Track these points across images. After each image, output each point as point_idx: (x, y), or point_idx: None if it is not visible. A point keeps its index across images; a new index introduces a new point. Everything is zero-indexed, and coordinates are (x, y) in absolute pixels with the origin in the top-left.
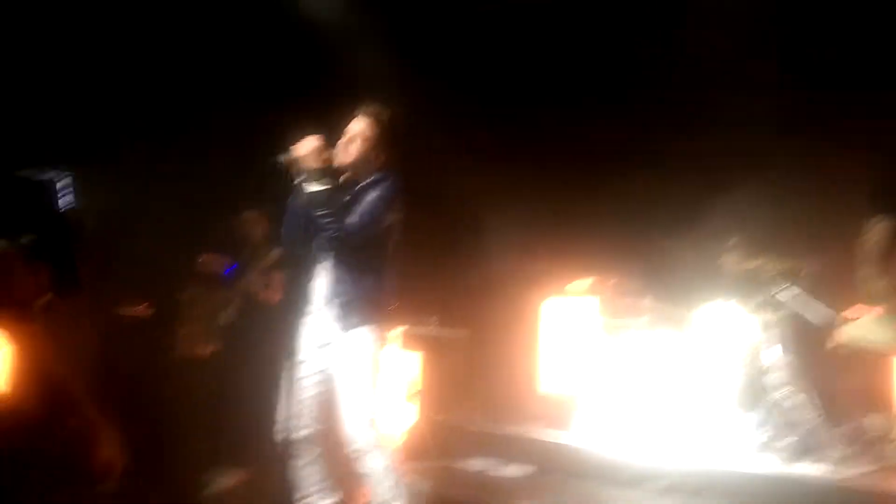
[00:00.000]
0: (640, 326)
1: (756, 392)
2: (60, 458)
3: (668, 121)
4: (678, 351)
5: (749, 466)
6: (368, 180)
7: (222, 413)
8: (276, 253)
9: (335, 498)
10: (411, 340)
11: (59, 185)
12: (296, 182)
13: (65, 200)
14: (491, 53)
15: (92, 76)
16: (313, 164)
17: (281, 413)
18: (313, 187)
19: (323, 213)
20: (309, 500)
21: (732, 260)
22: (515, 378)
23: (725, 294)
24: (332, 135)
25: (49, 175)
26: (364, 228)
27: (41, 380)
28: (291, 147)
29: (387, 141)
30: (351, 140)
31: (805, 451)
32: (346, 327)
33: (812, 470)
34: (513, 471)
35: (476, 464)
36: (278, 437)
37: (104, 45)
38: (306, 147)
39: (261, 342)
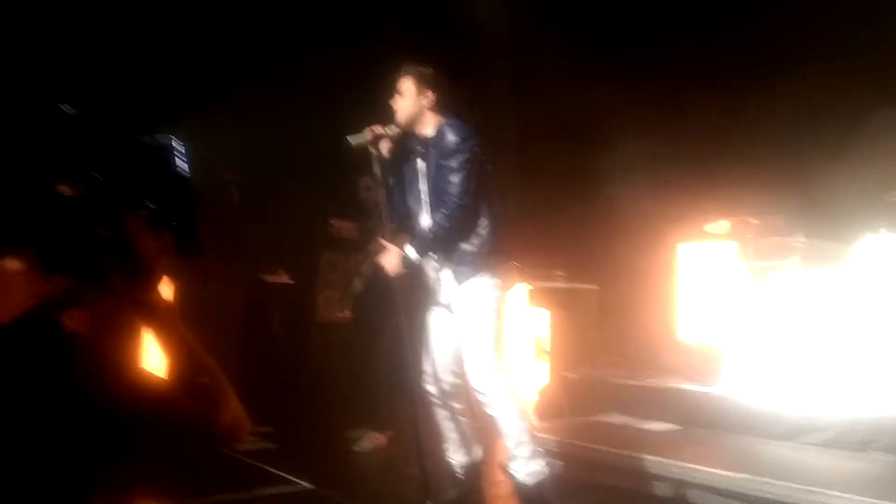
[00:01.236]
0: (790, 267)
1: None
2: (188, 419)
3: (816, 35)
4: (835, 292)
5: None
6: (434, 135)
7: (361, 375)
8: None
9: (477, 452)
10: (539, 297)
11: (175, 150)
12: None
13: (182, 165)
14: None
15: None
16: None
17: (425, 368)
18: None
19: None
20: (451, 453)
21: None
22: (652, 328)
23: (888, 225)
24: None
25: (166, 140)
26: (466, 192)
27: (169, 343)
28: (370, 130)
29: (440, 98)
30: (400, 97)
31: None
32: (460, 281)
33: None
34: (656, 425)
35: (616, 419)
36: (422, 391)
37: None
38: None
39: (388, 308)
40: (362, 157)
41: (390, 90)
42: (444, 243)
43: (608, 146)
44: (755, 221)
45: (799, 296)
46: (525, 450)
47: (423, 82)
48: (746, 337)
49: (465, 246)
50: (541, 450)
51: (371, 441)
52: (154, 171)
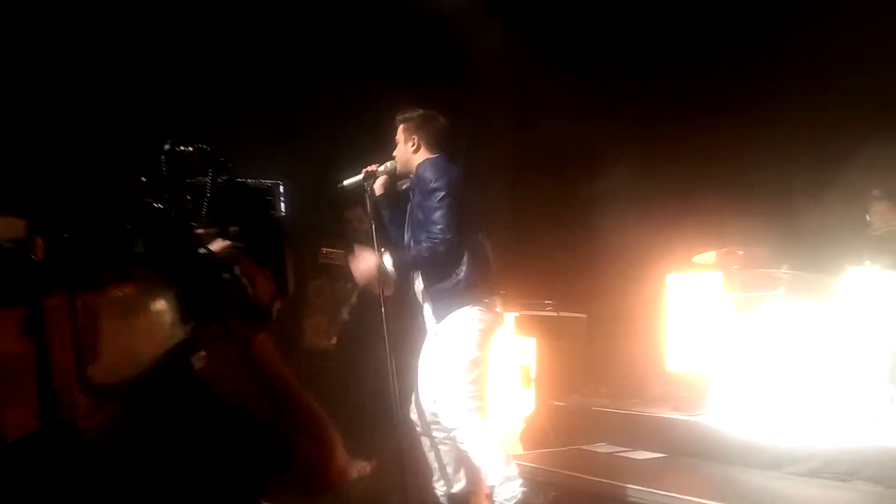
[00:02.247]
0: (776, 298)
1: None
2: (302, 466)
3: (800, 72)
4: (819, 323)
5: None
6: (417, 171)
7: (346, 403)
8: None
9: (461, 482)
10: (526, 325)
11: (278, 193)
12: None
13: (281, 207)
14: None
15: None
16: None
17: (411, 397)
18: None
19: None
20: (435, 481)
21: (878, 218)
22: (640, 358)
23: (871, 258)
24: None
25: (270, 182)
26: (450, 225)
27: (279, 386)
28: (364, 169)
29: (423, 140)
30: (396, 145)
31: None
32: (438, 318)
33: None
34: (642, 454)
35: (602, 448)
36: (407, 420)
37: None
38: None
39: (376, 335)
40: (357, 195)
41: (382, 127)
42: (422, 270)
43: (598, 177)
44: (741, 252)
45: (784, 327)
46: (498, 477)
47: (408, 130)
48: (732, 367)
49: (442, 284)
50: (513, 474)
51: (355, 469)
52: (260, 214)
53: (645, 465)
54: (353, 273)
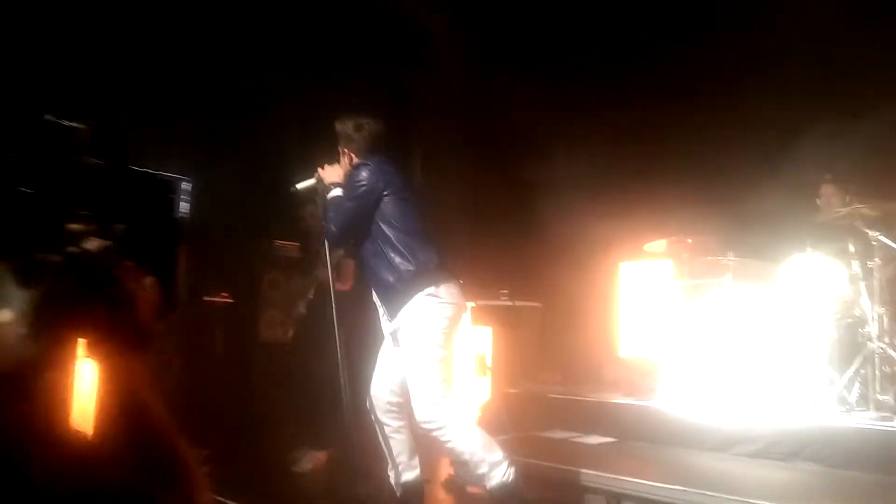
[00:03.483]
0: (723, 285)
1: (848, 348)
2: (143, 495)
3: (742, 61)
4: (764, 308)
5: (843, 425)
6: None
7: (302, 395)
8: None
9: (415, 470)
10: (481, 314)
11: (181, 190)
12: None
13: (183, 206)
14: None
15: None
16: (334, 178)
17: (370, 386)
18: (333, 193)
19: (325, 215)
20: (392, 471)
21: (825, 202)
22: (593, 345)
23: (813, 245)
24: None
25: (175, 176)
26: (342, 219)
27: (130, 412)
28: (315, 173)
29: (354, 151)
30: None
31: None
32: (391, 314)
33: None
34: (595, 439)
35: (557, 434)
36: (360, 409)
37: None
38: (328, 167)
39: (332, 328)
40: (309, 198)
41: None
42: (364, 270)
43: (550, 168)
44: (690, 241)
45: (731, 313)
46: (484, 466)
47: (341, 145)
48: (682, 352)
49: (386, 278)
50: (499, 458)
51: (311, 461)
52: (156, 212)
53: (597, 449)
54: (322, 175)
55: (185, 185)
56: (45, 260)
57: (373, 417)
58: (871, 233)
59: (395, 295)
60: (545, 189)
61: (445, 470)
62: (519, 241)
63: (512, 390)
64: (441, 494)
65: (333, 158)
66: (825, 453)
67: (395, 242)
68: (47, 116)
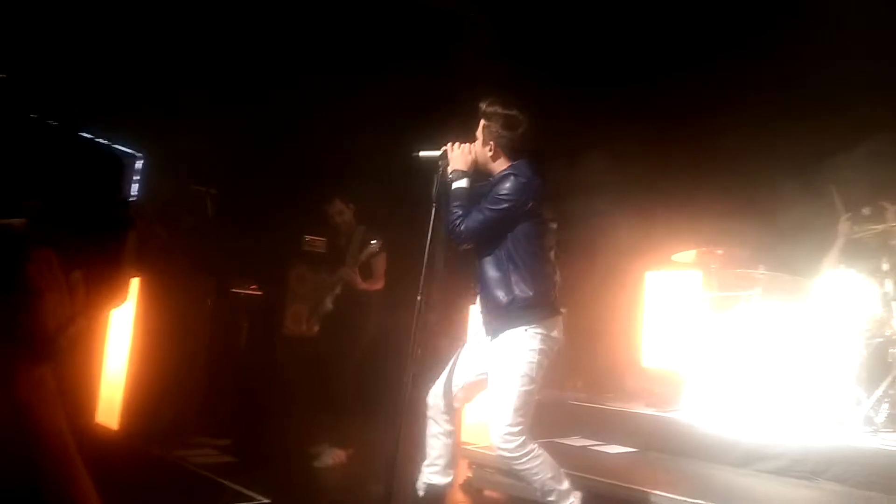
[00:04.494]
0: (752, 298)
1: (877, 367)
2: None
3: (783, 76)
4: (793, 324)
5: (869, 446)
6: (495, 177)
7: (326, 390)
8: (375, 245)
9: (449, 477)
10: None
11: (131, 167)
12: (442, 179)
13: (131, 187)
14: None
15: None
16: (461, 165)
17: (435, 384)
18: (458, 184)
19: (455, 205)
20: (428, 469)
21: (856, 223)
22: (617, 353)
23: (847, 261)
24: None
25: (126, 151)
26: (477, 225)
27: (39, 444)
28: (443, 147)
29: (501, 147)
30: (472, 143)
31: None
32: (492, 334)
33: None
34: (615, 448)
35: (577, 441)
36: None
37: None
38: (457, 149)
39: (358, 327)
40: (427, 169)
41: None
42: (459, 243)
43: (579, 175)
44: (720, 252)
45: (759, 326)
46: (553, 495)
47: (487, 131)
48: (707, 364)
49: (498, 299)
50: (567, 488)
51: (332, 457)
52: (97, 188)
53: (616, 459)
54: (450, 156)
55: (137, 163)
56: None
57: (429, 413)
58: None
59: (502, 317)
60: (573, 195)
61: (463, 473)
62: None
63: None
64: (459, 496)
65: (469, 136)
66: (849, 473)
67: (520, 263)
68: None
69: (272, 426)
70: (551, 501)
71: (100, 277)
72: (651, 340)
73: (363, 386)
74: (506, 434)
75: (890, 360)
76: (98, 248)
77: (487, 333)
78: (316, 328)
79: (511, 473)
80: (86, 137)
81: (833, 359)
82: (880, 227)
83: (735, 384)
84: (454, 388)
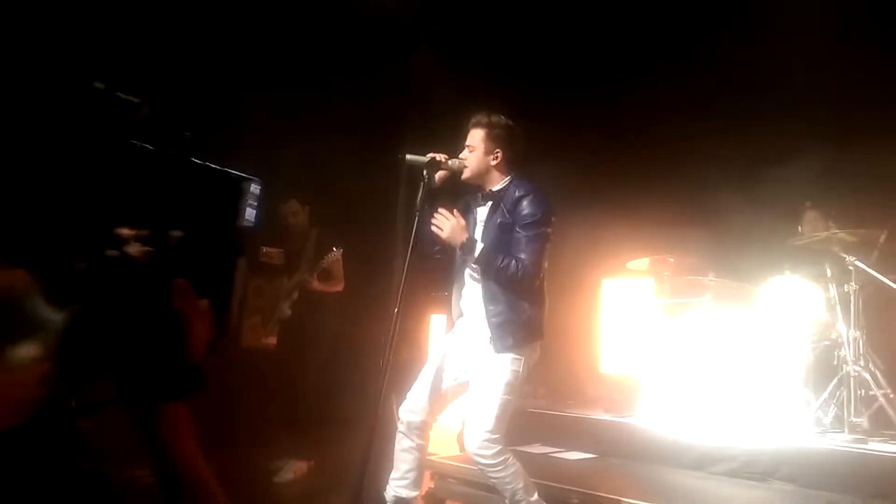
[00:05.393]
0: (703, 304)
1: (825, 370)
2: None
3: (728, 86)
4: (743, 328)
5: (818, 446)
6: (501, 187)
7: (287, 402)
8: (336, 253)
9: (416, 493)
10: None
11: (249, 193)
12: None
13: (248, 214)
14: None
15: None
16: (460, 238)
17: (407, 396)
18: (478, 252)
19: (499, 260)
20: (398, 482)
21: (809, 228)
22: (576, 360)
23: (791, 267)
24: None
25: (243, 176)
26: (536, 257)
27: (178, 474)
28: (430, 154)
29: (508, 155)
30: (470, 151)
31: (876, 428)
32: (497, 349)
33: (885, 448)
34: (574, 455)
35: (537, 448)
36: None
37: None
38: (450, 222)
39: (318, 334)
40: (413, 174)
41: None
42: (496, 290)
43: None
44: (672, 260)
45: (710, 331)
46: None
47: (492, 139)
48: (662, 369)
49: (510, 315)
50: (535, 500)
51: (293, 470)
52: (220, 219)
53: (576, 465)
54: (441, 232)
55: (254, 188)
56: (82, 273)
57: (400, 427)
58: (849, 257)
59: (504, 336)
60: None
61: (426, 483)
62: None
63: None
64: None
65: (457, 149)
66: (799, 473)
67: (532, 290)
68: (97, 84)
69: (229, 440)
70: None
71: (217, 306)
72: (609, 347)
73: (324, 395)
74: (485, 441)
75: (836, 363)
76: (218, 276)
77: (473, 343)
78: (273, 338)
79: (475, 484)
80: (204, 164)
81: (781, 362)
82: (823, 234)
83: (689, 388)
84: (427, 403)
